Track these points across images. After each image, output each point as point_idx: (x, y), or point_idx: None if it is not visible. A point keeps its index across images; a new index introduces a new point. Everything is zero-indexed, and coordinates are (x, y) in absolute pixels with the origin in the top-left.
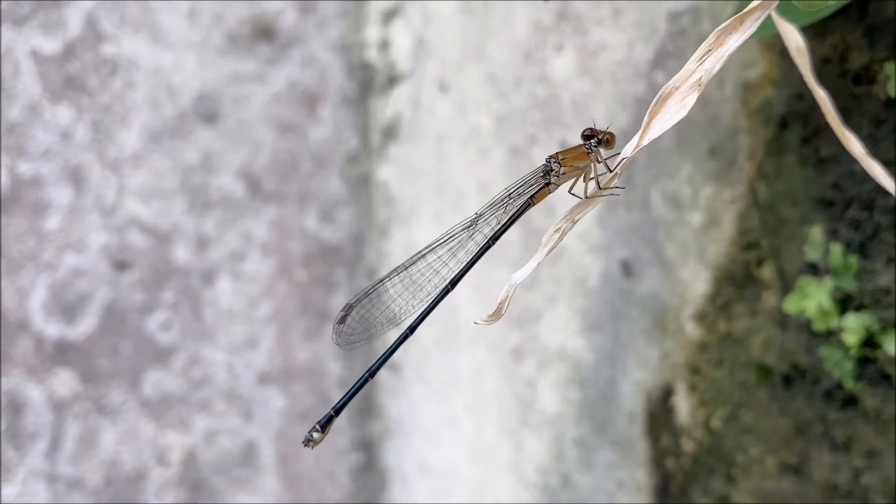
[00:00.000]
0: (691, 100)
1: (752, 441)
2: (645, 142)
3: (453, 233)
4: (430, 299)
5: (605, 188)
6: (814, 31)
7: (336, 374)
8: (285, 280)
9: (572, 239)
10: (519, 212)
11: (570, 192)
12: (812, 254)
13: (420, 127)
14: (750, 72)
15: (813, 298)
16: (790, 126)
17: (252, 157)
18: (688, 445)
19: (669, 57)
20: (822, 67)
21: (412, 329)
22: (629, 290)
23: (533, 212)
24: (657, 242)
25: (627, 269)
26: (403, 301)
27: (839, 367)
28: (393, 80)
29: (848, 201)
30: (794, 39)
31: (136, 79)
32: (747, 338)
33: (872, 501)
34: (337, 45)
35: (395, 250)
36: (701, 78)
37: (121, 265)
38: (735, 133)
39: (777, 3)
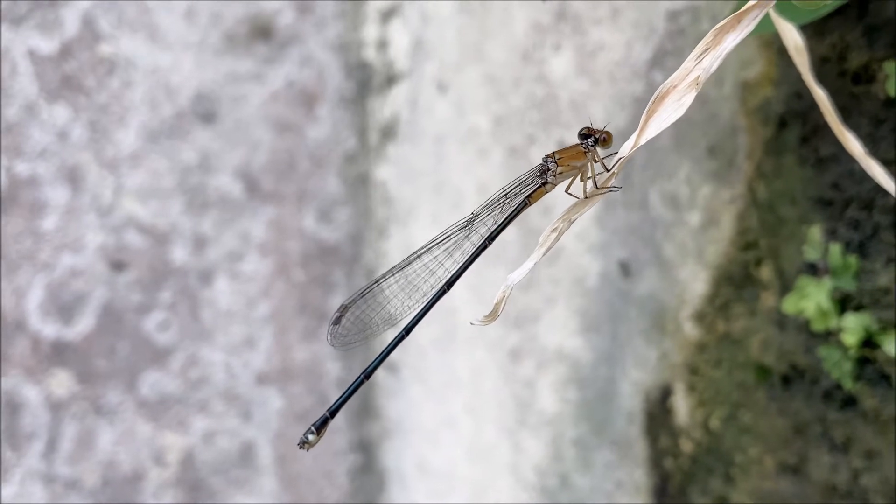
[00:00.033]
0: (689, 99)
1: (751, 441)
2: (642, 141)
3: (449, 233)
4: (426, 300)
5: (602, 187)
6: (813, 30)
7: (334, 374)
8: (283, 280)
9: (571, 239)
10: (516, 212)
11: (567, 191)
12: (811, 254)
13: (418, 127)
14: (749, 71)
15: (812, 298)
16: (789, 125)
17: (250, 156)
18: (686, 446)
19: (668, 56)
20: (821, 66)
21: (408, 330)
22: (628, 291)
23: (531, 212)
24: (656, 242)
25: (626, 269)
26: (399, 302)
27: (838, 367)
28: (391, 80)
29: (847, 201)
30: (792, 38)
31: (134, 78)
32: (746, 338)
33: (871, 502)
34: (335, 45)
35: (394, 250)
36: (698, 77)
37: (118, 265)
38: (734, 132)
39: (775, 1)
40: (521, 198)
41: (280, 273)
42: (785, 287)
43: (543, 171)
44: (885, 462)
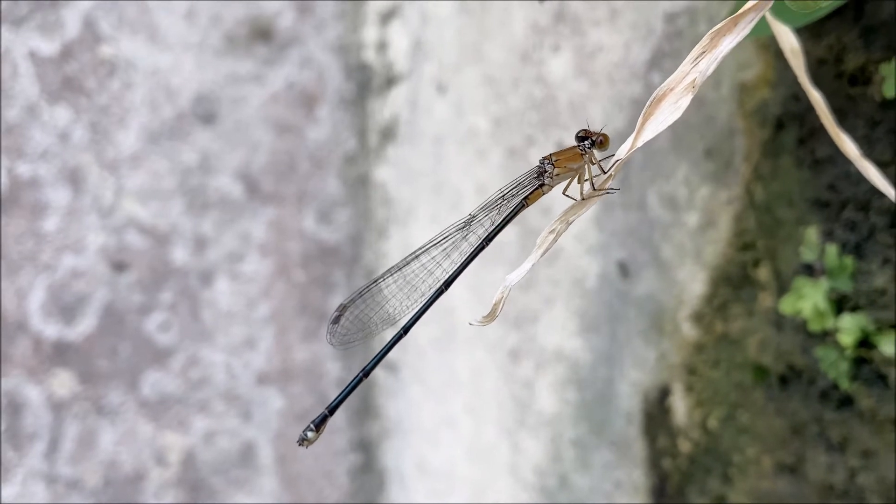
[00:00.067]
0: (685, 102)
1: (749, 441)
2: (639, 143)
3: (447, 233)
4: (424, 300)
5: (599, 189)
6: (809, 33)
7: (334, 374)
8: (283, 281)
9: (569, 240)
10: (513, 213)
11: (564, 193)
12: (808, 255)
13: (418, 128)
14: (746, 73)
15: (809, 299)
16: (786, 127)
17: (250, 157)
18: (685, 446)
19: (666, 58)
20: (817, 69)
21: (406, 329)
22: (626, 291)
23: (530, 213)
24: (654, 243)
25: (624, 270)
26: (398, 301)
27: (835, 367)
28: (391, 81)
29: (843, 202)
30: (788, 41)
31: (134, 80)
32: (744, 338)
33: (868, 501)
34: (335, 46)
35: (393, 251)
36: (695, 79)
37: (119, 266)
38: (731, 134)
39: (771, 4)
40: (519, 199)
41: (280, 274)
42: (782, 288)
43: (540, 172)
44: (882, 462)
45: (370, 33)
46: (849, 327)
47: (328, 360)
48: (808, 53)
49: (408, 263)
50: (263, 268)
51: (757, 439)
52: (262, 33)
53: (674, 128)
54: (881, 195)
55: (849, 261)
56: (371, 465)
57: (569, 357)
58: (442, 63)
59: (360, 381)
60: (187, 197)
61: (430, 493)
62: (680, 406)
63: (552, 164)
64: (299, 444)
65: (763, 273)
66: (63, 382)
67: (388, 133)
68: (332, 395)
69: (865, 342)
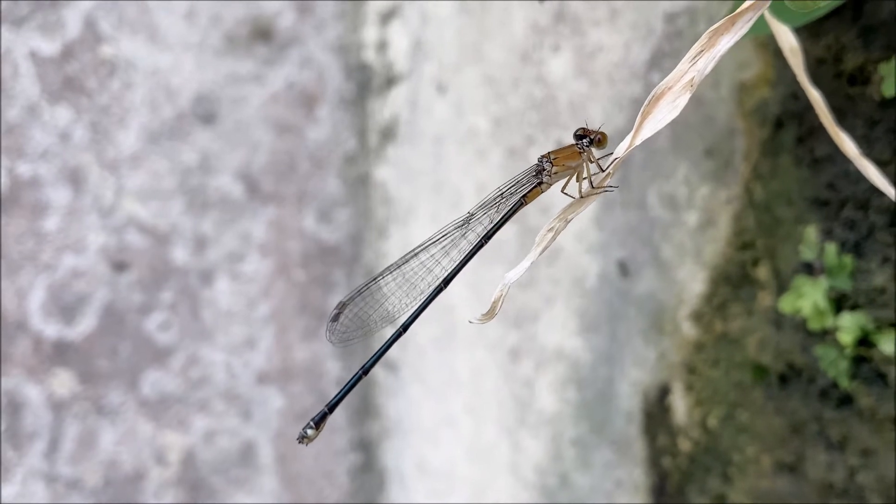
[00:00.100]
0: (683, 100)
1: (748, 440)
2: (637, 141)
3: (446, 231)
4: (423, 297)
5: (598, 187)
6: (808, 32)
7: (334, 373)
8: (284, 280)
9: (569, 239)
10: (511, 211)
11: (562, 191)
12: (807, 253)
13: (418, 128)
14: (745, 73)
15: (808, 298)
16: (785, 126)
17: (250, 157)
18: (684, 445)
19: (666, 58)
20: (816, 68)
21: (405, 327)
22: (626, 291)
23: (529, 211)
24: (654, 243)
25: (624, 269)
26: (397, 299)
27: (834, 366)
28: (391, 81)
29: (843, 201)
30: (787, 40)
31: (135, 80)
32: (743, 337)
33: (867, 500)
34: (335, 46)
35: (393, 250)
36: (693, 78)
37: (119, 266)
38: (730, 134)
39: (769, 3)
40: (517, 197)
41: (280, 273)
42: (781, 287)
43: (539, 170)
44: (882, 460)
45: (370, 33)
46: (848, 326)
47: (328, 360)
48: (806, 53)
49: (407, 261)
50: (263, 267)
51: (756, 438)
52: (262, 33)
53: (673, 127)
54: (880, 194)
55: (848, 259)
56: (371, 464)
57: (569, 356)
58: (442, 63)
59: (359, 378)
60: (187, 197)
61: (430, 493)
62: (680, 405)
63: (550, 163)
64: (299, 442)
65: (762, 272)
66: (63, 382)
67: (388, 133)
68: (332, 394)
69: (865, 341)
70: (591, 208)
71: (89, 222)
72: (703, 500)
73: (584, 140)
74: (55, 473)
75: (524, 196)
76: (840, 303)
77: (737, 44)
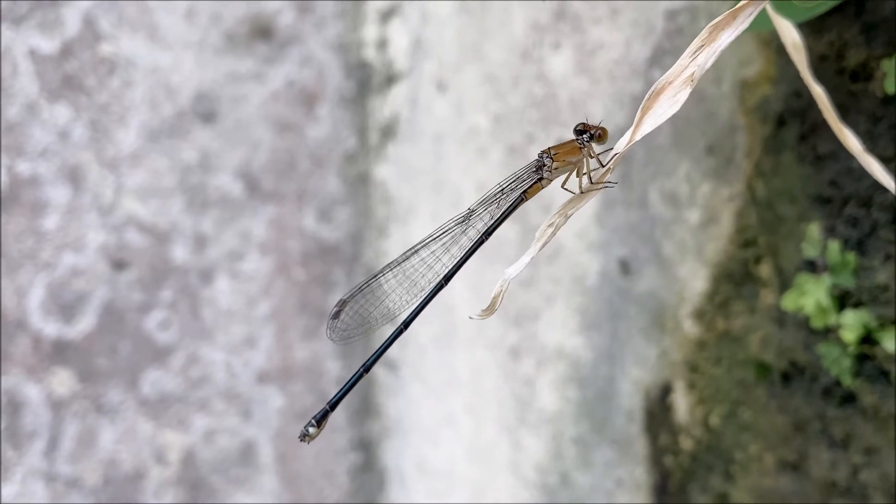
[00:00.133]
0: (684, 95)
1: (751, 438)
2: (638, 137)
3: (447, 228)
4: (423, 294)
5: (598, 183)
6: (811, 28)
7: (335, 373)
8: (284, 279)
9: (570, 237)
10: (512, 207)
11: (562, 186)
12: (810, 251)
13: (418, 126)
14: (747, 69)
15: (811, 296)
16: (788, 123)
17: (250, 156)
18: (686, 443)
19: (666, 55)
20: (819, 64)
21: (406, 324)
22: (627, 289)
23: (530, 209)
24: (655, 240)
25: (626, 267)
26: (397, 297)
27: (837, 364)
28: (391, 80)
29: (845, 198)
30: (790, 36)
31: (134, 78)
32: (745, 335)
33: (871, 499)
34: (335, 45)
35: (394, 249)
36: (694, 73)
37: (119, 264)
38: (733, 131)
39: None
40: (518, 193)
41: (280, 272)
42: (784, 284)
43: (539, 166)
44: (885, 458)
45: (370, 32)
46: (851, 324)
47: (328, 359)
48: (809, 50)
49: (407, 258)
50: (263, 266)
51: (759, 436)
52: (262, 32)
53: (675, 124)
54: (883, 191)
55: (851, 257)
56: (371, 464)
57: (570, 355)
58: (442, 61)
59: (360, 376)
60: (187, 195)
61: (430, 492)
62: (681, 403)
63: (551, 158)
64: (301, 440)
65: (765, 270)
66: (63, 381)
67: (389, 131)
68: (332, 393)
69: (868, 339)
70: (591, 206)
71: (89, 221)
72: (706, 499)
73: (585, 135)
74: (55, 472)
75: (525, 192)
76: (843, 300)
77: (739, 41)
